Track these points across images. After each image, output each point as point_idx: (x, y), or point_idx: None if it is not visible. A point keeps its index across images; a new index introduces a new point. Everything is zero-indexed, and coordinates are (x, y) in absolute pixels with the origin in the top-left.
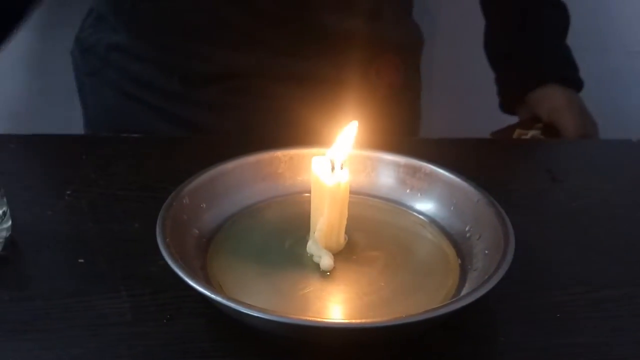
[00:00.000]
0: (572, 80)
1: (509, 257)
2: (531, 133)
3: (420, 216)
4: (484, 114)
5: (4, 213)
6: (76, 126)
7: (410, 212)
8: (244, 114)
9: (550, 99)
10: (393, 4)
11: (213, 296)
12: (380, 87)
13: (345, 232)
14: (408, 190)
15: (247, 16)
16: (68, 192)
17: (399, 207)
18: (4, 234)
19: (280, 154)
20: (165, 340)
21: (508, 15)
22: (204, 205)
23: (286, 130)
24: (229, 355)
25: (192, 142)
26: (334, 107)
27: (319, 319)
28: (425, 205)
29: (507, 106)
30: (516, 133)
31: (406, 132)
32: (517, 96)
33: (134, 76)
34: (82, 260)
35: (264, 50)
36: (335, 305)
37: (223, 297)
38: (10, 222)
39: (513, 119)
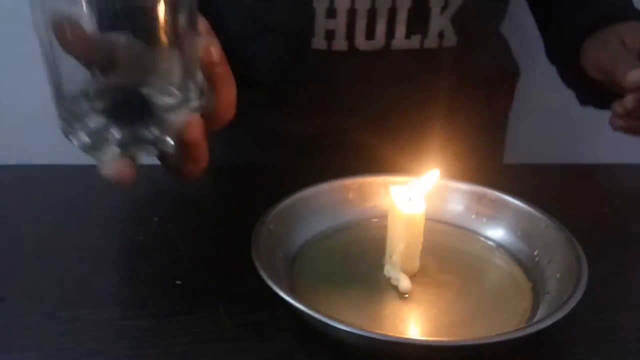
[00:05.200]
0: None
1: (584, 280)
2: None
3: (488, 241)
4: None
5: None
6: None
7: (478, 236)
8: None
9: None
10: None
11: (318, 316)
12: (465, 125)
13: None
14: (473, 216)
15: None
16: (155, 219)
17: (466, 231)
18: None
19: (349, 182)
20: (265, 355)
21: None
22: (284, 231)
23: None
24: None
25: (257, 173)
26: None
27: (417, 338)
28: (492, 231)
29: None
30: None
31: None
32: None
33: None
34: (179, 282)
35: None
36: (418, 325)
37: (327, 318)
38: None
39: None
